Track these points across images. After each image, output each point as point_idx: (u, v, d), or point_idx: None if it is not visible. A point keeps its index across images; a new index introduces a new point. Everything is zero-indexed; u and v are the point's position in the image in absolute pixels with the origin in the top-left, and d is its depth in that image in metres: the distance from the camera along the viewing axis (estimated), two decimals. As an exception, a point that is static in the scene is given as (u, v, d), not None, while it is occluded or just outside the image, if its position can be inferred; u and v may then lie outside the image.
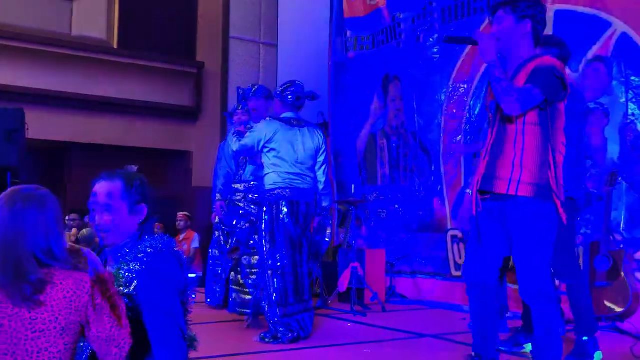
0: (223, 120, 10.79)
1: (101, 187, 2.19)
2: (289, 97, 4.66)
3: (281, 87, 4.80)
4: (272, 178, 4.41)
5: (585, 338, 3.62)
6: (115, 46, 10.06)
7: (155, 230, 2.21)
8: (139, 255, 2.10)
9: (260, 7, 11.15)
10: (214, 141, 10.71)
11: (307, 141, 4.54)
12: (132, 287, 2.06)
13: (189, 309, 2.20)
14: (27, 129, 6.86)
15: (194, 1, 10.88)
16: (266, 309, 4.27)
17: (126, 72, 10.05)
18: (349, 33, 7.84)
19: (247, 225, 4.84)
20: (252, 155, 4.66)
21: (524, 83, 2.83)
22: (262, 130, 4.46)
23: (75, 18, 9.77)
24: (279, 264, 4.28)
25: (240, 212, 4.94)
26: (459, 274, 6.10)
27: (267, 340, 4.17)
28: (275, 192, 4.37)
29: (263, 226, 4.36)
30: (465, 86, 6.18)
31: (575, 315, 3.72)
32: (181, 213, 9.26)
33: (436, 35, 6.49)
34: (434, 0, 6.54)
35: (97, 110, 9.82)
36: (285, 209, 4.34)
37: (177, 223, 9.01)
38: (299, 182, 4.41)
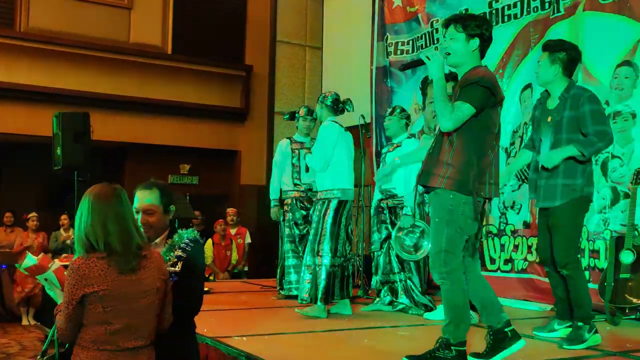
0: (270, 120, 11.23)
1: (143, 195, 2.85)
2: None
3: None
4: None
5: (580, 324, 3.90)
6: (169, 52, 10.57)
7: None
8: (182, 244, 2.76)
9: (306, 12, 11.53)
10: (261, 141, 11.20)
11: None
12: (178, 267, 2.73)
13: None
14: (92, 131, 7.36)
15: (243, 8, 11.30)
16: None
17: (180, 76, 10.51)
18: (389, 38, 8.20)
19: None
20: None
21: (456, 97, 3.23)
22: None
23: (133, 26, 10.28)
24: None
25: None
26: (493, 267, 6.43)
27: None
28: None
29: None
30: (500, 89, 6.49)
31: (574, 303, 4.01)
32: (231, 209, 9.72)
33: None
34: (469, 7, 6.85)
35: (153, 112, 10.31)
36: None
37: (229, 218, 9.46)
38: None
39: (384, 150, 5.75)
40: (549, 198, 4.04)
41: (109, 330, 2.32)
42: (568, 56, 4.07)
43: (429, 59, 3.29)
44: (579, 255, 4.15)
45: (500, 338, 3.32)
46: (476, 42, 3.30)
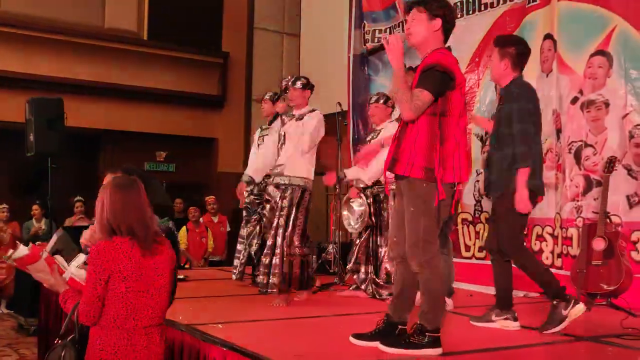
0: (247, 107, 11.20)
1: (108, 179, 2.85)
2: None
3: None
4: None
5: (555, 302, 3.90)
6: (145, 38, 10.47)
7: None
8: None
9: (284, -2, 11.52)
10: (238, 128, 11.16)
11: None
12: None
13: None
14: (66, 118, 7.28)
15: (220, -6, 11.26)
16: None
17: (156, 63, 10.44)
18: (367, 26, 8.19)
19: None
20: None
21: (416, 83, 3.21)
22: None
23: (108, 11, 10.18)
24: None
25: None
26: (467, 254, 6.48)
27: None
28: None
29: None
30: (476, 77, 6.52)
31: (541, 287, 4.05)
32: (210, 197, 9.66)
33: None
34: (447, -4, 6.87)
35: (128, 98, 10.23)
36: None
37: (209, 207, 9.39)
38: None
39: (367, 139, 5.72)
40: (493, 189, 4.11)
41: (129, 309, 2.49)
42: (517, 50, 4.09)
43: (388, 44, 3.25)
44: (524, 243, 4.14)
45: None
46: (438, 23, 3.27)
